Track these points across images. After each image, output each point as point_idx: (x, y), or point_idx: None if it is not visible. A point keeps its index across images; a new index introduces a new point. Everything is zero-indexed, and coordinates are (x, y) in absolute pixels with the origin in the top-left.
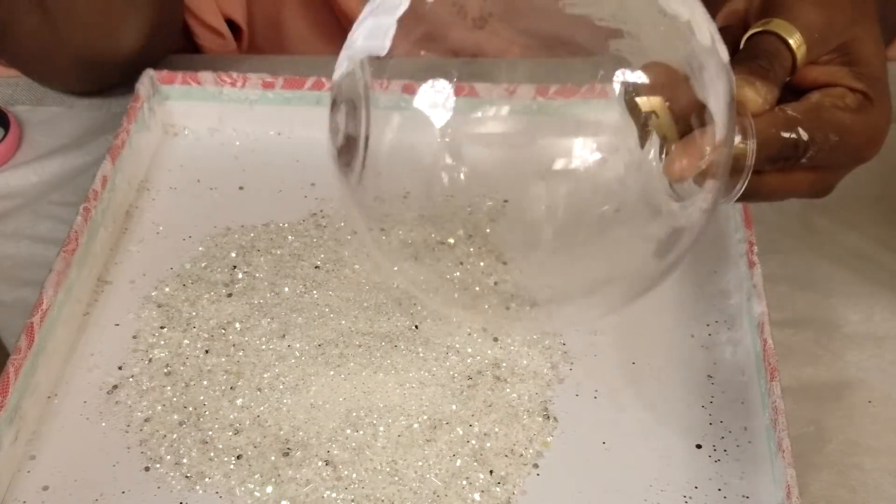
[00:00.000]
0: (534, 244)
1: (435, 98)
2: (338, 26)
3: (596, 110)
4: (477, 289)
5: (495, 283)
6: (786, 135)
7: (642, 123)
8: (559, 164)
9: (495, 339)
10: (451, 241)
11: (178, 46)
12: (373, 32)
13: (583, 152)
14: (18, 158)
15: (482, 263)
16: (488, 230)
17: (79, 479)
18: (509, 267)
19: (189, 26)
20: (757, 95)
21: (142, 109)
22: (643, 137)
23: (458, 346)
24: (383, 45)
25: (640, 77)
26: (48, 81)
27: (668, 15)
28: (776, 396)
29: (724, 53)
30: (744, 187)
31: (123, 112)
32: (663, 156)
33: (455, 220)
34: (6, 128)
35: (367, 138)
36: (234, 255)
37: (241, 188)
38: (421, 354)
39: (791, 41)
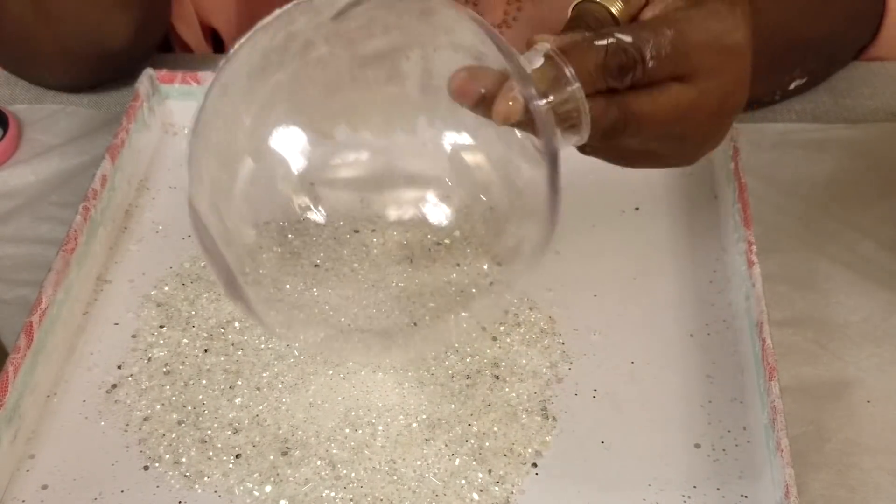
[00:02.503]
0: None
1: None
2: None
3: None
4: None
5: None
6: (601, 42)
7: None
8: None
9: (494, 339)
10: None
11: (161, 43)
12: None
13: None
14: (18, 158)
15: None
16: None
17: (78, 478)
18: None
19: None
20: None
21: (141, 109)
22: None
23: (456, 345)
24: None
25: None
26: (34, 73)
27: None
28: (775, 396)
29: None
30: (586, 117)
31: (123, 111)
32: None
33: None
34: (5, 127)
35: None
36: None
37: None
38: (420, 354)
39: (612, 8)
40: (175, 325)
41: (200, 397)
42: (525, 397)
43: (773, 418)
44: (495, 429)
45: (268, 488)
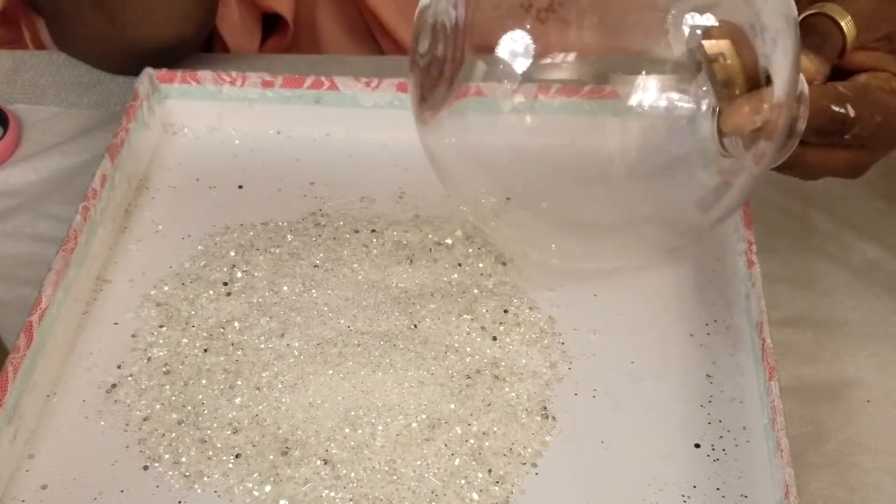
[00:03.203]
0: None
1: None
2: (366, 27)
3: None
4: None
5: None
6: (836, 108)
7: (710, 65)
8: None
9: (494, 339)
10: (450, 241)
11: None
12: None
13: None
14: (17, 157)
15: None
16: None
17: (77, 477)
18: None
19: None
20: (811, 65)
21: (141, 108)
22: (712, 83)
23: (456, 345)
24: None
25: (709, 20)
26: (91, 57)
27: None
28: (775, 396)
29: (792, 8)
30: (790, 151)
31: (122, 111)
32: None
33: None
34: (5, 126)
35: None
36: (233, 253)
37: (240, 187)
38: (420, 353)
39: (843, 23)
40: (175, 324)
41: (200, 397)
42: (525, 397)
43: (773, 418)
44: (495, 428)
45: (267, 488)
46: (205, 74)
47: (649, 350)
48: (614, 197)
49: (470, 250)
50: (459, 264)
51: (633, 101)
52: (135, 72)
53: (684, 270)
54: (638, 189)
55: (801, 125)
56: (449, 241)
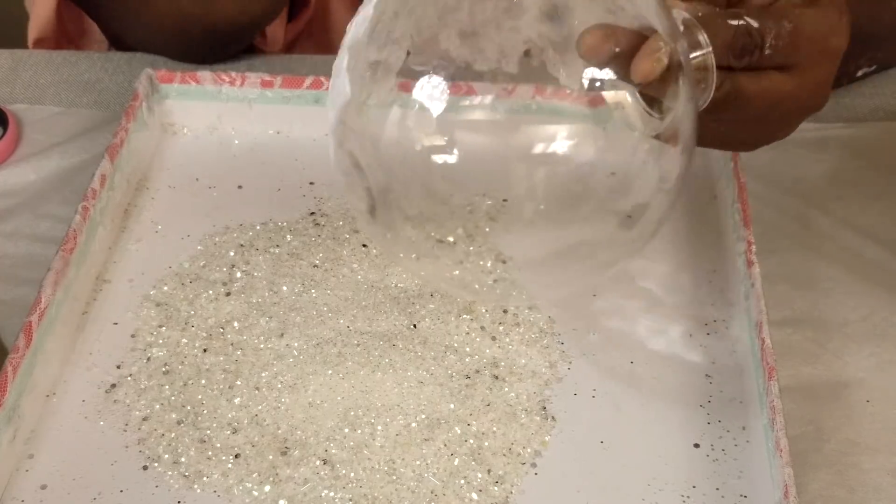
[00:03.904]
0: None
1: (431, 92)
2: None
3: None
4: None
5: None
6: (733, 22)
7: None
8: (540, 149)
9: (493, 339)
10: (451, 239)
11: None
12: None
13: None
14: (17, 157)
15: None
16: (487, 229)
17: (77, 477)
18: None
19: None
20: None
21: (140, 108)
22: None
23: (456, 345)
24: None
25: (599, 73)
26: (147, 42)
27: None
28: (774, 396)
29: None
30: (714, 84)
31: (122, 111)
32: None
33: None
34: (4, 126)
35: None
36: (232, 253)
37: (239, 187)
38: (419, 353)
39: None
40: (174, 324)
41: (199, 397)
42: (524, 397)
43: (773, 418)
44: (494, 428)
45: (267, 488)
46: (204, 74)
47: (648, 350)
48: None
49: (471, 248)
50: (461, 262)
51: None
52: (200, 58)
53: (684, 270)
54: (554, 227)
55: (710, 59)
56: (451, 240)
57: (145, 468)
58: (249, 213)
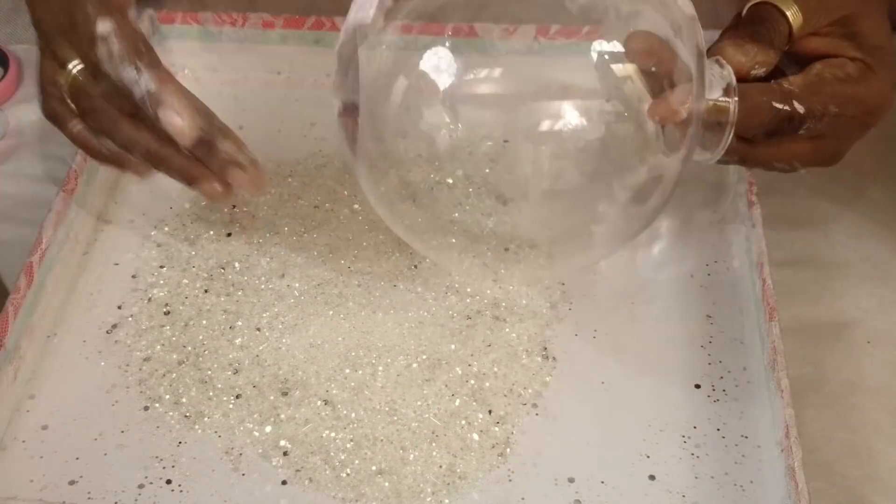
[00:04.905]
0: (530, 188)
1: (438, 62)
2: None
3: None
4: (476, 230)
5: (494, 225)
6: (778, 105)
7: (620, 88)
8: (550, 125)
9: (494, 279)
10: (450, 181)
11: None
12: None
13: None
14: (18, 97)
15: (482, 204)
16: (487, 170)
17: (77, 418)
18: (509, 208)
19: None
20: (743, 55)
21: None
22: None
23: (457, 285)
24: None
25: (615, 46)
26: None
27: None
28: (775, 336)
29: (688, 8)
30: (727, 141)
31: None
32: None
33: (454, 160)
34: (6, 67)
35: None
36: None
37: (240, 128)
38: (420, 294)
39: (787, 11)
40: (175, 265)
41: (200, 338)
42: (525, 338)
43: (773, 359)
44: (495, 369)
45: (268, 428)
46: (205, 15)
47: (650, 291)
48: (558, 211)
49: (470, 189)
50: (460, 203)
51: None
52: None
53: (685, 212)
54: (578, 198)
55: (732, 116)
56: (450, 181)
57: (146, 408)
58: None
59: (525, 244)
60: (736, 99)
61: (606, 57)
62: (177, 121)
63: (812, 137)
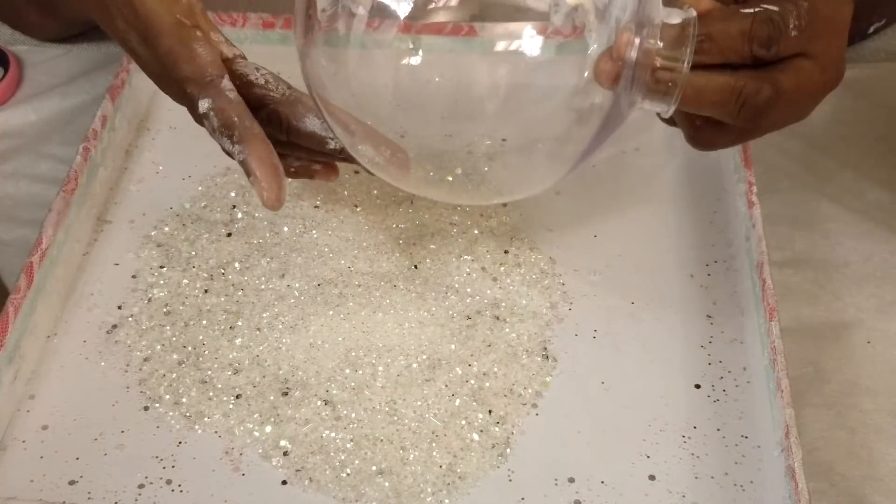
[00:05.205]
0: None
1: None
2: None
3: None
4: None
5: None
6: (747, 10)
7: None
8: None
9: (494, 279)
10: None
11: None
12: None
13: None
14: (18, 98)
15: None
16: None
17: (78, 418)
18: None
19: None
20: None
21: None
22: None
23: (457, 285)
24: None
25: None
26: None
27: None
28: (775, 336)
29: None
30: (677, 99)
31: (123, 52)
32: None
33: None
34: (6, 67)
35: None
36: (233, 194)
37: None
38: (420, 294)
39: None
40: (175, 265)
41: (200, 338)
42: (525, 338)
43: (773, 359)
44: (496, 369)
45: (268, 429)
46: None
47: (650, 291)
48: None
49: (469, 186)
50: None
51: (500, 45)
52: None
53: (685, 211)
54: (516, 119)
55: (692, 27)
56: (449, 179)
57: (146, 409)
58: None
59: (526, 246)
60: (693, 11)
61: None
62: (262, 195)
63: (809, 54)
